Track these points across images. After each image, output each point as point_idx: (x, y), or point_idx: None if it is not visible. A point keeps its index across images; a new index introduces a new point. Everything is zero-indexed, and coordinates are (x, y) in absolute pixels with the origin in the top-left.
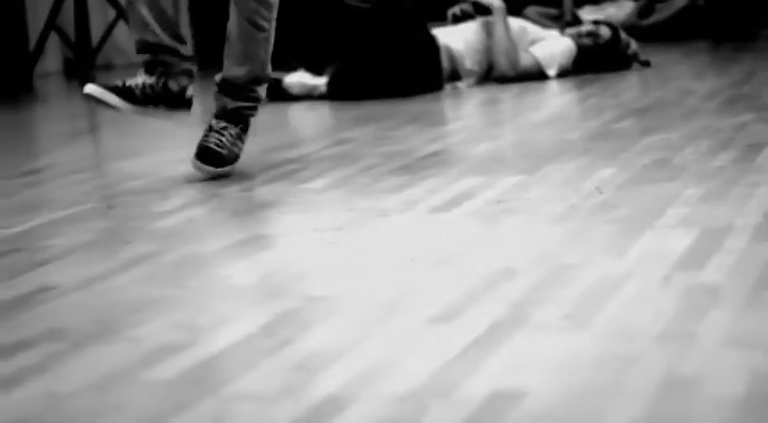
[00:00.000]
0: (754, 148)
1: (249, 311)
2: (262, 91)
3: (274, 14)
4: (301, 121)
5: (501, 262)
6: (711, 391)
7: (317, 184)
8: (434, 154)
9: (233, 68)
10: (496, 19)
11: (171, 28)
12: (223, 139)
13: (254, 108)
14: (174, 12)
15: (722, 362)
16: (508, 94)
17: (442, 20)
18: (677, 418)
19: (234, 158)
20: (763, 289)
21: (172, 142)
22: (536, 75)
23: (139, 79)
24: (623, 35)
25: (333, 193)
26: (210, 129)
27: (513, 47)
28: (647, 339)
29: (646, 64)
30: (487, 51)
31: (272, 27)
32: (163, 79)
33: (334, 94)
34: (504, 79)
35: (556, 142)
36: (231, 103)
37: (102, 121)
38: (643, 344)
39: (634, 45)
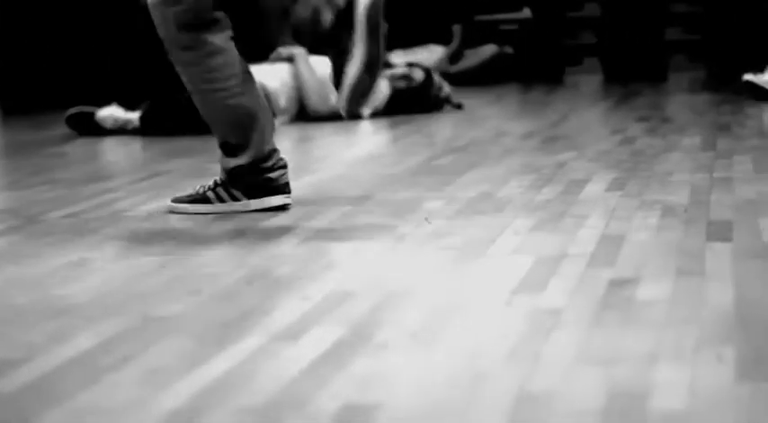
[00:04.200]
0: (578, 184)
1: (86, 329)
2: None
3: None
4: (115, 155)
5: (336, 285)
6: (567, 405)
7: (139, 211)
8: None
9: None
10: (299, 63)
11: None
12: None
13: None
14: None
15: (574, 378)
16: (322, 132)
17: (259, 60)
18: None
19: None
20: (604, 310)
21: None
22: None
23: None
24: (436, 78)
25: (156, 220)
26: None
27: (321, 84)
28: (496, 358)
29: (458, 106)
30: (299, 90)
31: None
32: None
33: (148, 128)
34: (318, 118)
35: (379, 176)
36: None
37: None
38: (493, 362)
39: (447, 88)
